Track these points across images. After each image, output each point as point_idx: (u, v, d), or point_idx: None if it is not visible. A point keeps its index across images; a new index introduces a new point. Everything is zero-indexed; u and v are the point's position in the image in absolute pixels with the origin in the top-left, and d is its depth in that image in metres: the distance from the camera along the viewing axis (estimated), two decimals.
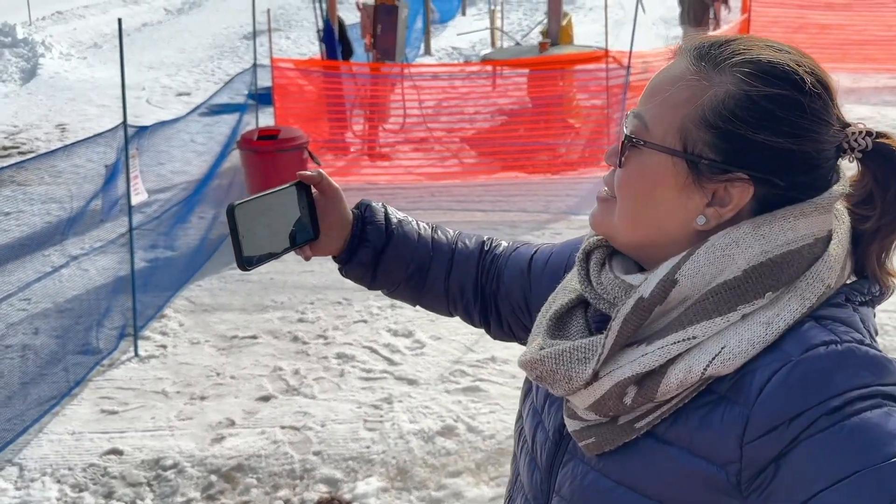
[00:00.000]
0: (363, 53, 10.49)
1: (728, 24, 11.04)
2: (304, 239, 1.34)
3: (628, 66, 7.55)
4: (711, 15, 11.47)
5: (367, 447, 4.11)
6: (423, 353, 5.07)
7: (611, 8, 19.43)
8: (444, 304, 1.44)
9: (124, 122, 5.02)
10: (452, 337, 5.23)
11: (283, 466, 3.98)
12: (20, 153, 10.99)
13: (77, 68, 15.58)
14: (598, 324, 1.08)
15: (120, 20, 4.85)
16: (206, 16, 21.55)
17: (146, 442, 4.17)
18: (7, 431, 4.16)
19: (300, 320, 5.69)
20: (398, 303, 5.89)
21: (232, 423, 4.37)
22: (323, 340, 5.36)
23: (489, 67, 10.60)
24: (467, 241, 1.46)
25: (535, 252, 1.39)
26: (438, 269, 1.42)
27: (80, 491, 3.80)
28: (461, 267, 1.42)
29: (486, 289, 1.42)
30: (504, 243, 1.47)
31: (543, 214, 7.53)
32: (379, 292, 1.48)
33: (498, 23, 14.73)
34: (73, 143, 5.50)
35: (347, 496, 3.79)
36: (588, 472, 1.04)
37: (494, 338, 1.46)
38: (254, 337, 5.46)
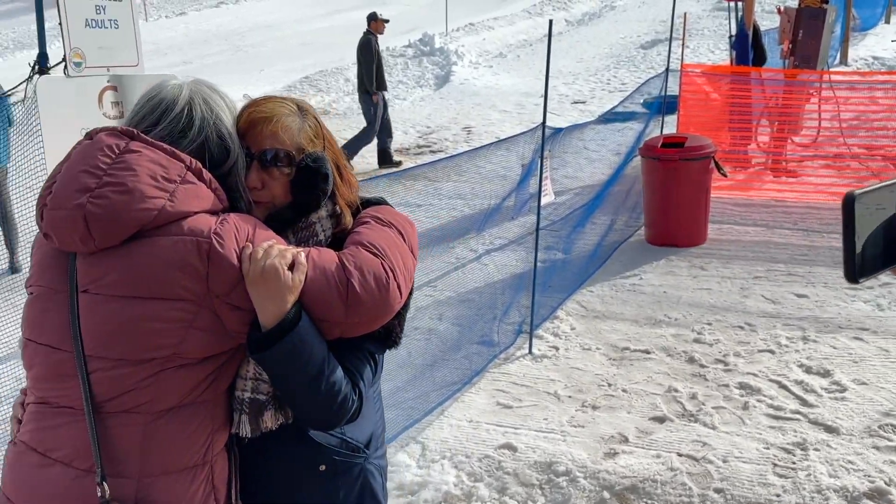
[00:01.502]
0: (777, 60, 9.72)
1: None
2: None
3: None
4: None
5: (778, 495, 3.63)
6: (844, 397, 4.41)
7: None
8: None
9: (543, 123, 5.06)
10: (881, 384, 4.50)
11: (681, 497, 3.67)
12: (431, 151, 11.96)
13: (483, 76, 16.63)
14: None
15: (551, 22, 4.88)
16: (605, 26, 21.83)
17: (539, 443, 4.12)
18: (413, 410, 4.37)
19: (696, 340, 5.32)
20: (812, 335, 5.29)
21: (625, 440, 4.16)
22: (723, 366, 4.93)
23: None
24: None
25: None
26: None
27: (476, 481, 3.85)
28: None
29: None
30: None
31: None
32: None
33: None
34: (498, 141, 5.69)
35: None
36: None
37: None
38: (646, 351, 5.21)
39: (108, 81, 2.50)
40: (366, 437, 1.86)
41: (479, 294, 5.95)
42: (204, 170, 1.60)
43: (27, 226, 6.86)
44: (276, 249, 1.57)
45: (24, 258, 6.93)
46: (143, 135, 1.59)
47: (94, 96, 2.46)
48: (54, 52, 2.37)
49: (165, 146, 1.58)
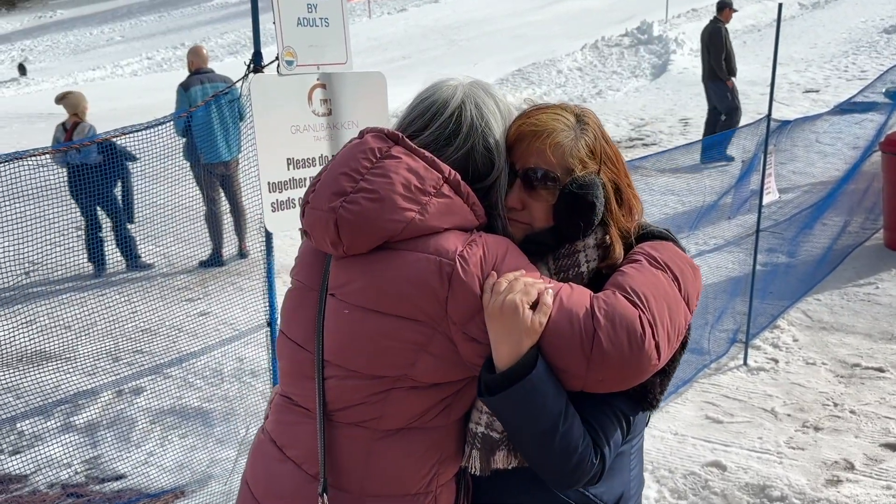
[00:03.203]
0: None
1: None
2: None
3: None
4: None
5: None
6: None
7: None
8: None
9: (768, 115, 4.70)
10: None
11: None
12: (644, 144, 11.57)
13: None
14: None
15: (780, 6, 4.51)
16: (843, 9, 20.14)
17: (752, 463, 3.83)
18: None
19: None
20: None
21: (850, 467, 3.77)
22: None
23: None
24: None
25: None
26: None
27: (679, 499, 3.64)
28: None
29: None
30: None
31: None
32: None
33: None
34: (718, 134, 5.37)
35: None
36: None
37: None
38: (879, 370, 4.71)
39: (317, 79, 2.57)
40: (614, 496, 1.63)
41: None
42: (463, 182, 1.48)
43: (254, 213, 7.37)
44: (520, 283, 1.41)
45: (252, 245, 7.46)
46: (406, 139, 1.51)
47: (304, 94, 2.54)
48: (269, 53, 2.47)
49: (426, 154, 1.49)
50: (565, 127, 1.54)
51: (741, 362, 4.86)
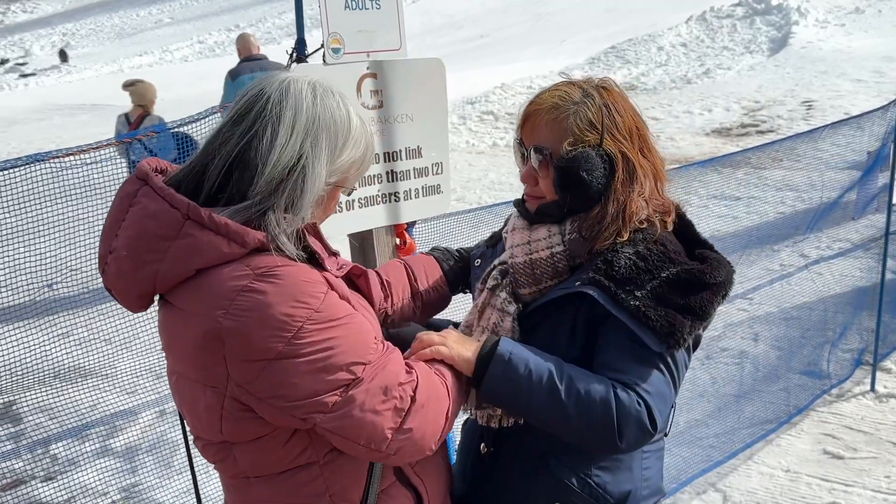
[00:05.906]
0: None
1: None
2: None
3: None
4: None
5: None
6: None
7: None
8: None
9: None
10: None
11: None
12: (759, 132, 11.35)
13: (833, 37, 15.47)
14: None
15: None
16: None
17: None
18: (713, 450, 4.16)
19: None
20: None
21: None
22: None
23: None
24: None
25: None
26: None
27: None
28: None
29: None
30: None
31: None
32: None
33: None
34: (845, 119, 5.24)
35: None
36: None
37: None
38: None
39: (367, 68, 2.62)
40: (620, 492, 1.75)
41: (808, 311, 5.52)
42: (210, 213, 1.46)
43: None
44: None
45: None
46: (153, 176, 1.53)
47: (352, 85, 2.59)
48: (315, 39, 2.53)
49: (167, 190, 1.50)
50: (564, 102, 1.73)
51: (868, 388, 4.75)
